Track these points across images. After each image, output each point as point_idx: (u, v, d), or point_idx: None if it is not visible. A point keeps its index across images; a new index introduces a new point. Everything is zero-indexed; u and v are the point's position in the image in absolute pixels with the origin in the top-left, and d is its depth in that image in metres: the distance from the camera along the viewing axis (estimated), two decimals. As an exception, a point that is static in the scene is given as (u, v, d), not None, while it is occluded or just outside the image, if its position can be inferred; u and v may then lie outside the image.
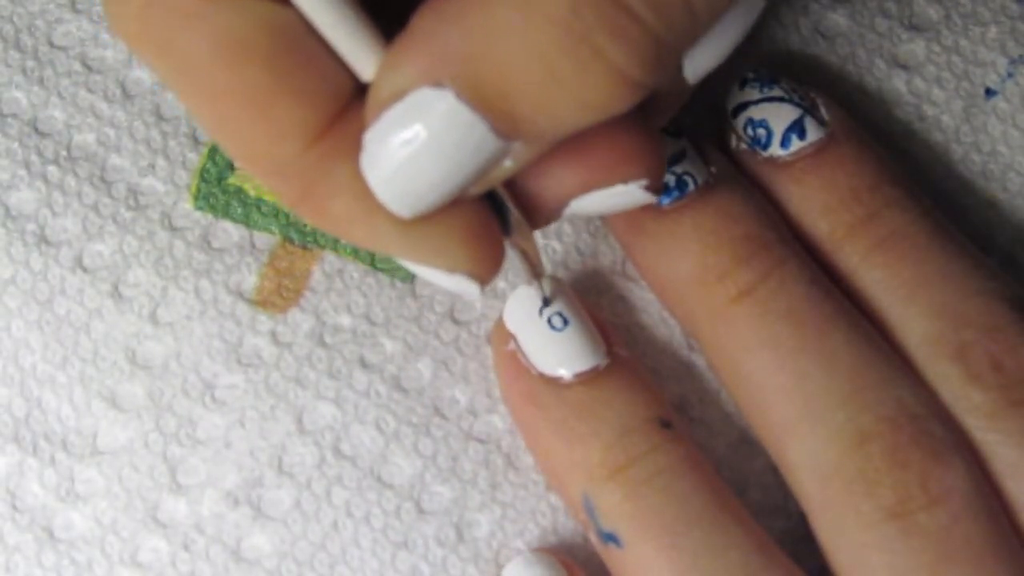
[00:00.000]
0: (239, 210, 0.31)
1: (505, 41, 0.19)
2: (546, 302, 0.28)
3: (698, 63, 0.25)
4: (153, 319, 0.30)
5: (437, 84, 0.19)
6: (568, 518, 0.29)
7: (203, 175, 0.31)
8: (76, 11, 0.32)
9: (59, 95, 0.31)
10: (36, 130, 0.31)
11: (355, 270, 0.30)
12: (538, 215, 0.24)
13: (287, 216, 0.31)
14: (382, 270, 0.30)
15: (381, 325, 0.30)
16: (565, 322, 0.28)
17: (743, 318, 0.27)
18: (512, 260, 0.25)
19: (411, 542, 0.29)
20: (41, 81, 0.31)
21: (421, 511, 0.29)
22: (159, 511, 0.29)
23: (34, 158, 0.31)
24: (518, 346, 0.28)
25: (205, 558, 0.29)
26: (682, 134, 0.29)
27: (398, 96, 0.20)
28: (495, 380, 0.30)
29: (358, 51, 0.21)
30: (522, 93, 0.19)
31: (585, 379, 0.27)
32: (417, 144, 0.20)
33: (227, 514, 0.29)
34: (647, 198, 0.24)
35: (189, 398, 0.30)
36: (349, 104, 0.21)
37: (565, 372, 0.28)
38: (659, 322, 0.30)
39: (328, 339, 0.30)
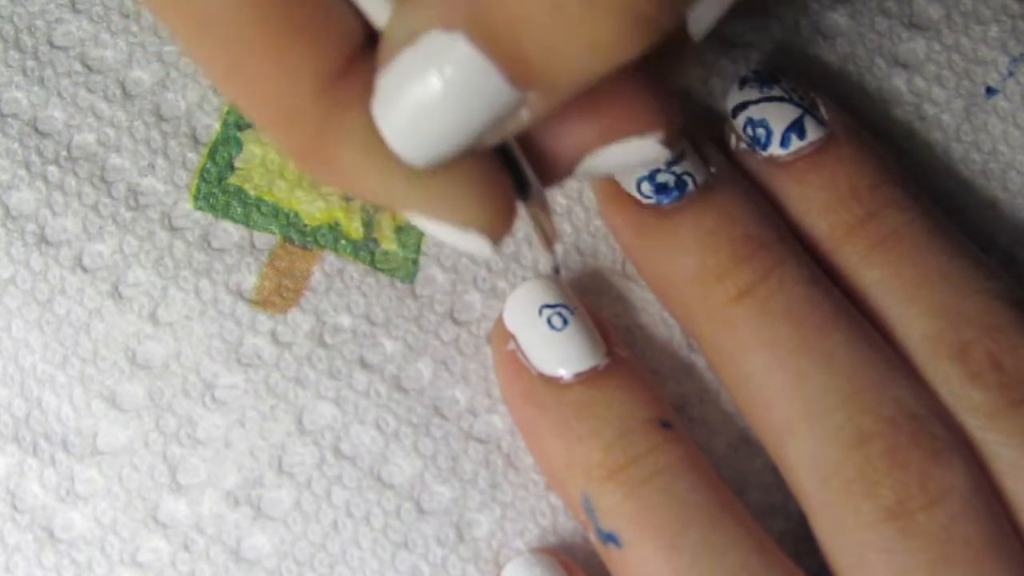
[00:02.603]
0: (239, 210, 0.31)
1: None
2: (556, 271, 0.27)
3: (701, 16, 0.24)
4: (153, 319, 0.30)
5: (450, 27, 0.19)
6: (568, 518, 0.29)
7: (203, 175, 0.31)
8: (76, 11, 0.32)
9: (59, 95, 0.31)
10: (36, 130, 0.31)
11: (355, 270, 0.30)
12: (552, 171, 0.23)
13: (287, 216, 0.31)
14: (382, 270, 0.30)
15: (381, 325, 0.30)
16: (564, 322, 0.28)
17: (742, 318, 0.27)
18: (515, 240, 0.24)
19: (411, 542, 0.29)
20: (41, 81, 0.31)
21: (421, 511, 0.29)
22: (159, 511, 0.29)
23: (34, 158, 0.31)
24: (518, 346, 0.28)
25: (205, 558, 0.29)
26: (681, 134, 0.29)
27: (411, 39, 0.19)
28: (495, 380, 0.30)
29: None
30: (531, 35, 0.19)
31: (585, 379, 0.27)
32: (430, 90, 0.20)
33: (227, 514, 0.29)
34: (662, 153, 0.23)
35: (189, 398, 0.30)
36: (361, 53, 0.21)
37: (565, 372, 0.28)
38: (659, 322, 0.30)
39: (328, 339, 0.30)
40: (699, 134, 0.29)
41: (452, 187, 0.21)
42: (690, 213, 0.28)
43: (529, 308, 0.28)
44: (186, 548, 0.29)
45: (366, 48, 0.21)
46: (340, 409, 0.30)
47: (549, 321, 0.28)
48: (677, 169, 0.28)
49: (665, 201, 0.28)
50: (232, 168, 0.31)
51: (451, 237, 0.22)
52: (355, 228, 0.31)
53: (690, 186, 0.28)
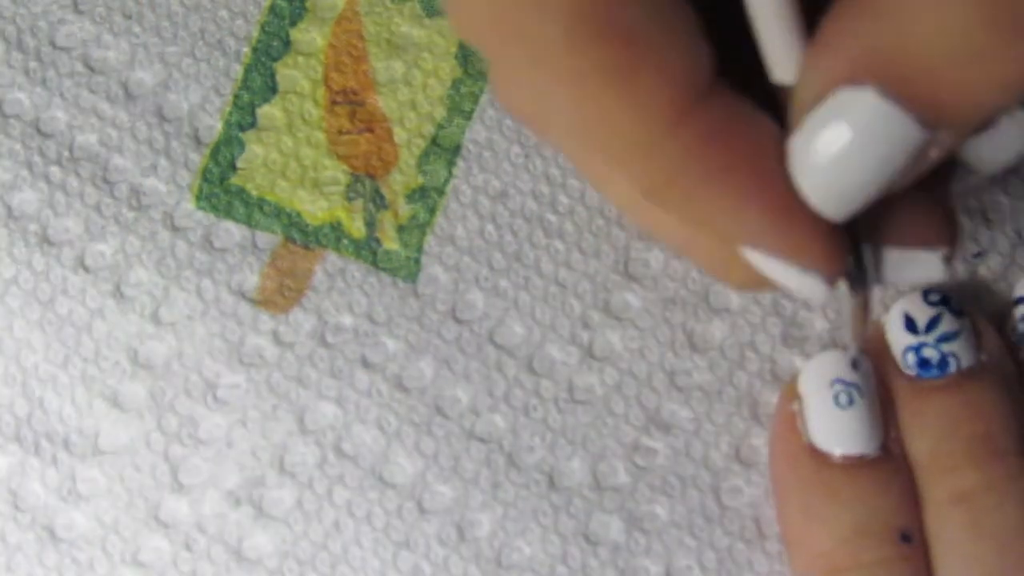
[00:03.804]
0: (241, 210, 0.31)
1: (926, 26, 0.18)
2: (854, 365, 0.28)
3: (990, 159, 0.25)
4: (155, 319, 0.30)
5: (859, 82, 0.19)
6: (570, 516, 0.29)
7: (205, 175, 0.31)
8: (79, 12, 0.32)
9: (61, 96, 0.31)
10: (39, 131, 0.31)
11: (357, 270, 0.31)
12: None
13: (289, 216, 0.31)
14: (384, 270, 0.30)
15: (383, 324, 0.30)
16: (850, 401, 0.28)
17: (953, 522, 0.27)
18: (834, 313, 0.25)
19: (412, 541, 0.29)
20: (44, 82, 0.31)
21: (422, 510, 0.29)
22: (161, 511, 0.29)
23: (36, 159, 0.31)
24: (801, 409, 0.28)
25: (207, 558, 0.29)
26: (965, 314, 0.29)
27: (821, 98, 0.20)
28: (496, 379, 0.30)
29: (784, 47, 0.20)
30: (945, 77, 0.19)
31: (849, 464, 0.27)
32: (846, 146, 0.20)
33: (229, 514, 0.29)
34: (942, 271, 0.24)
35: (191, 398, 0.30)
36: (711, 89, 0.21)
37: (833, 450, 0.28)
38: (660, 322, 0.30)
39: (330, 338, 0.30)
40: (984, 320, 0.29)
41: (805, 229, 0.21)
42: (940, 396, 0.28)
43: (822, 377, 0.28)
44: (188, 548, 0.29)
45: (718, 83, 0.21)
46: (342, 408, 0.30)
47: (836, 396, 0.28)
48: (944, 347, 0.28)
49: (924, 376, 0.28)
50: (234, 168, 0.31)
51: (786, 278, 0.22)
52: (357, 228, 0.31)
53: (951, 368, 0.28)
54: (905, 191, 0.21)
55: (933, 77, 0.19)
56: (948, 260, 0.24)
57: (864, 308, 0.24)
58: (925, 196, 0.22)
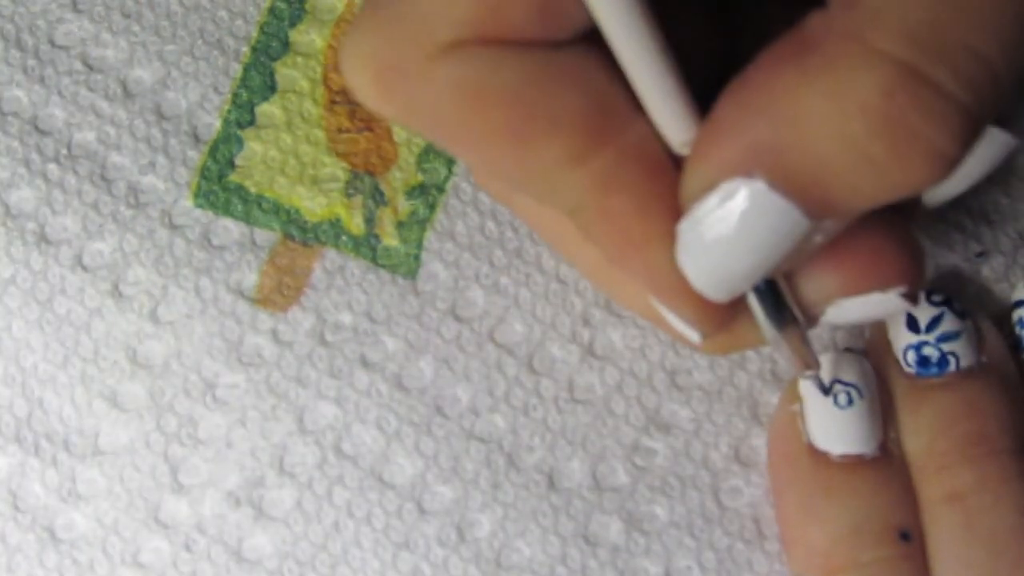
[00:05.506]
0: (239, 207, 0.31)
1: (817, 130, 0.19)
2: (825, 391, 0.28)
3: (936, 191, 0.25)
4: (154, 318, 0.30)
5: (748, 175, 0.19)
6: (569, 518, 0.29)
7: (204, 173, 0.31)
8: (77, 11, 0.31)
9: (60, 94, 0.31)
10: (36, 128, 0.31)
11: (356, 267, 0.30)
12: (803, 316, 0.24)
13: (288, 213, 0.31)
14: (383, 266, 0.30)
15: (382, 323, 0.30)
16: (850, 401, 0.28)
17: (945, 521, 0.27)
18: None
19: (412, 542, 0.29)
20: (42, 80, 0.31)
21: (422, 511, 0.29)
22: (161, 511, 0.29)
23: (34, 156, 0.31)
24: (801, 410, 0.28)
25: (207, 558, 0.29)
26: (968, 315, 0.29)
27: (709, 188, 0.20)
28: (496, 378, 0.30)
29: (674, 126, 0.21)
30: (834, 178, 0.19)
31: (848, 463, 0.28)
32: (730, 233, 0.20)
33: (228, 514, 0.29)
34: (904, 306, 0.24)
35: (190, 398, 0.30)
36: (619, 123, 0.21)
37: (832, 449, 0.28)
38: (661, 321, 0.30)
39: (329, 337, 0.30)
40: (988, 322, 0.29)
41: (681, 291, 0.22)
42: (937, 394, 0.28)
43: (823, 378, 0.28)
44: (187, 548, 0.29)
45: (614, 121, 0.21)
46: (341, 408, 0.30)
47: (835, 396, 0.28)
48: (944, 347, 0.28)
49: (923, 374, 0.28)
50: (233, 166, 0.31)
51: (668, 315, 0.23)
52: (356, 224, 0.31)
53: (950, 367, 0.28)
54: (857, 224, 0.21)
55: (823, 177, 0.19)
56: (909, 296, 0.23)
57: (802, 347, 0.24)
58: (874, 233, 0.22)
